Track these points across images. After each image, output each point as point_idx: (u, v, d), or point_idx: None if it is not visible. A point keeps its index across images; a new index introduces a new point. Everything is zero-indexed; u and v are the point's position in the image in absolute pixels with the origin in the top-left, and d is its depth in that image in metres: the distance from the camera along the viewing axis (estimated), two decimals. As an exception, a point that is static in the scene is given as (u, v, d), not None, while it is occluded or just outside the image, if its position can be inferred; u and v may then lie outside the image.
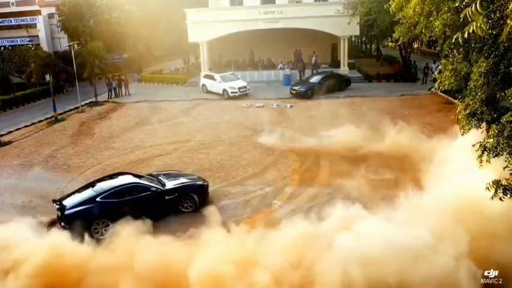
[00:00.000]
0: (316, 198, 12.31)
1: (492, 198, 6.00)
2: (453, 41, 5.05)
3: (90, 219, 10.82)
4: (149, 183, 11.91)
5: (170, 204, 11.73)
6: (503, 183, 5.91)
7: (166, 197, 11.74)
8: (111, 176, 12.57)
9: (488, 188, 6.04)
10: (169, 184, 12.17)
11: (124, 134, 20.80)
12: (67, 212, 10.85)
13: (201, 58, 33.85)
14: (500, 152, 6.20)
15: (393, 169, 13.77)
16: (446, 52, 7.16)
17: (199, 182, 12.56)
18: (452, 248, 7.46)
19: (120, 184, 11.64)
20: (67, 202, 11.20)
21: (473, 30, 4.31)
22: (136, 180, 11.99)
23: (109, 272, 8.18)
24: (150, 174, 13.18)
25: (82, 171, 15.77)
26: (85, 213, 10.84)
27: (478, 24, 4.20)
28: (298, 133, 18.08)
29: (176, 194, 11.87)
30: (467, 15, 4.26)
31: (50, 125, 23.70)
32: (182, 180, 12.65)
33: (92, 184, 12.03)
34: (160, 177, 12.65)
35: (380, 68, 36.92)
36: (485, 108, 6.78)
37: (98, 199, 11.12)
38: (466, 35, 4.45)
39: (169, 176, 12.96)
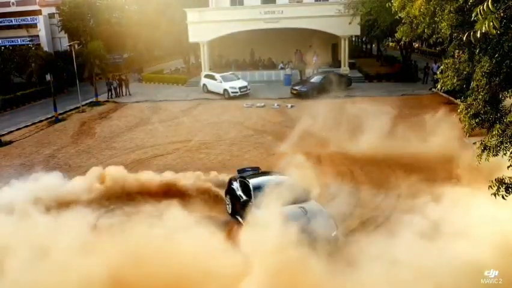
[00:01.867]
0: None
1: (495, 196, 6.01)
2: (464, 39, 5.03)
3: (227, 192, 11.96)
4: (251, 190, 10.76)
5: None
6: (506, 181, 5.91)
7: None
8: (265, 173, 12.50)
9: (490, 186, 6.04)
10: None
11: (125, 133, 20.80)
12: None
13: (202, 58, 33.83)
14: (503, 152, 6.21)
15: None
16: (452, 53, 7.15)
17: None
18: None
19: (244, 175, 11.83)
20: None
21: (485, 30, 4.29)
22: (249, 181, 11.22)
23: None
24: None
25: (82, 171, 15.72)
26: (228, 184, 12.08)
27: (491, 24, 4.18)
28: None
29: None
30: (477, 13, 4.24)
31: (50, 124, 23.71)
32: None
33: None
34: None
35: (380, 68, 36.91)
36: (487, 108, 6.77)
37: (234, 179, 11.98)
38: (478, 35, 4.43)
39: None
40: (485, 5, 4.13)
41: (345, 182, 13.27)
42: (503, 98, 6.70)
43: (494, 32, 4.39)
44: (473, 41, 4.90)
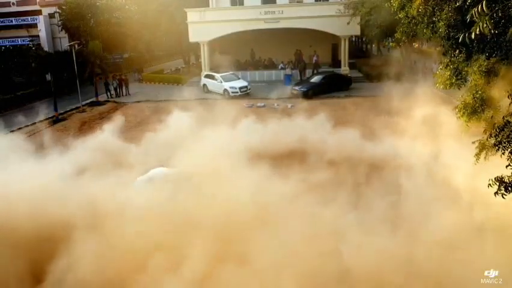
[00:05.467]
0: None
1: (495, 194, 6.04)
2: (460, 40, 5.11)
3: None
4: None
5: None
6: (505, 181, 5.95)
7: None
8: None
9: (490, 185, 6.08)
10: None
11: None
12: None
13: (202, 58, 33.90)
14: (502, 150, 6.24)
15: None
16: (450, 52, 7.21)
17: None
18: None
19: None
20: None
21: (479, 31, 4.37)
22: None
23: None
24: None
25: (83, 171, 15.77)
26: None
27: (484, 25, 4.26)
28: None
29: None
30: (473, 15, 4.31)
31: (51, 124, 23.73)
32: None
33: None
34: None
35: (380, 68, 36.87)
36: (485, 107, 6.82)
37: None
38: (473, 36, 4.50)
39: None
40: (479, 7, 4.21)
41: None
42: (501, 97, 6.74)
43: (488, 32, 4.47)
44: (468, 42, 4.97)
